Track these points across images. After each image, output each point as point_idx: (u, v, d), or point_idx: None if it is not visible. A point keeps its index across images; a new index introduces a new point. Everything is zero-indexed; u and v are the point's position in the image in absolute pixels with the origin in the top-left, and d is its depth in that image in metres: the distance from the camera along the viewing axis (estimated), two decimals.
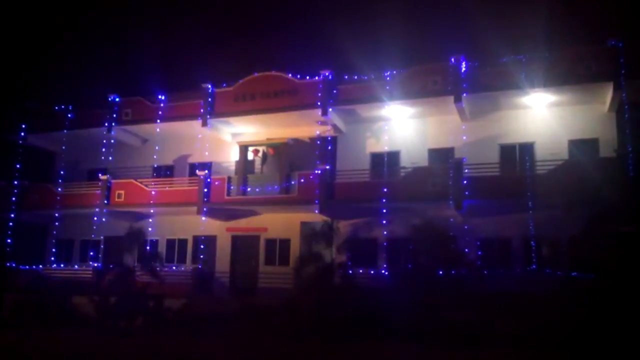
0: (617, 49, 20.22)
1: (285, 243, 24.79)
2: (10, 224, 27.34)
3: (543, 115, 22.28)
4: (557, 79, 20.64)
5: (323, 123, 24.36)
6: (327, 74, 23.78)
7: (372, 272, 22.31)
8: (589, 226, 16.33)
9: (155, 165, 28.05)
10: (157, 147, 27.65)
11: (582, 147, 21.39)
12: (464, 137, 22.96)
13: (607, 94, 20.62)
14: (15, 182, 27.77)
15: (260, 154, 25.49)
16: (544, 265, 20.56)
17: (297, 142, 25.19)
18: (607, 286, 15.41)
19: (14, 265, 26.45)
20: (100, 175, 26.81)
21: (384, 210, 22.39)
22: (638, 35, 20.77)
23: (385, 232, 22.84)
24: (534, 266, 20.60)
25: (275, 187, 23.71)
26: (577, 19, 32.96)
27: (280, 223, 24.88)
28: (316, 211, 22.88)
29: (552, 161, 20.81)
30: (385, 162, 23.86)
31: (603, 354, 13.38)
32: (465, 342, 15.53)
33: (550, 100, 21.78)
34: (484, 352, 14.84)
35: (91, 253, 27.68)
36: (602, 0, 33.48)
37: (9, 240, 27.12)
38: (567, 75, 20.52)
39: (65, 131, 28.19)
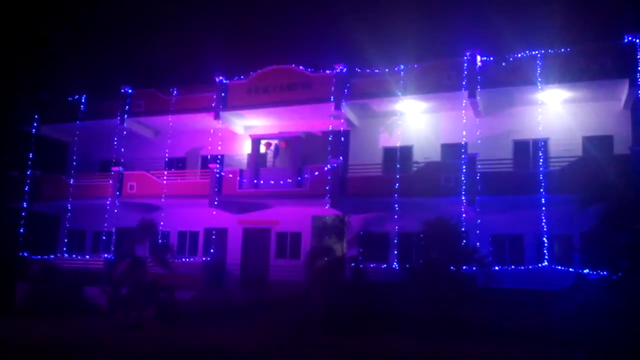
0: (633, 45, 20.07)
1: (296, 236, 24.84)
2: (23, 214, 27.60)
3: (557, 112, 22.15)
4: (572, 75, 20.51)
5: (336, 117, 24.25)
6: (340, 67, 23.73)
7: (383, 266, 22.32)
8: (602, 223, 16.20)
9: (168, 157, 28.06)
10: (169, 139, 27.69)
11: (596, 143, 21.25)
12: (478, 133, 22.84)
13: (623, 91, 20.48)
14: (28, 173, 28.00)
15: (272, 147, 25.49)
16: (556, 262, 20.53)
17: (309, 135, 25.20)
18: (620, 283, 15.32)
19: (26, 255, 26.67)
20: (112, 166, 26.95)
21: (396, 205, 22.38)
22: None
23: (396, 227, 22.78)
24: (546, 263, 20.54)
25: (287, 180, 23.71)
26: (593, 15, 32.73)
27: (291, 216, 24.93)
28: (327, 205, 22.87)
29: (566, 158, 20.73)
30: (398, 156, 23.72)
31: (616, 351, 13.30)
32: (474, 337, 15.51)
33: (565, 96, 21.65)
34: (492, 347, 14.81)
35: (103, 244, 27.82)
36: None
37: (21, 230, 27.39)
38: (583, 71, 20.39)
39: (77, 122, 28.33)
